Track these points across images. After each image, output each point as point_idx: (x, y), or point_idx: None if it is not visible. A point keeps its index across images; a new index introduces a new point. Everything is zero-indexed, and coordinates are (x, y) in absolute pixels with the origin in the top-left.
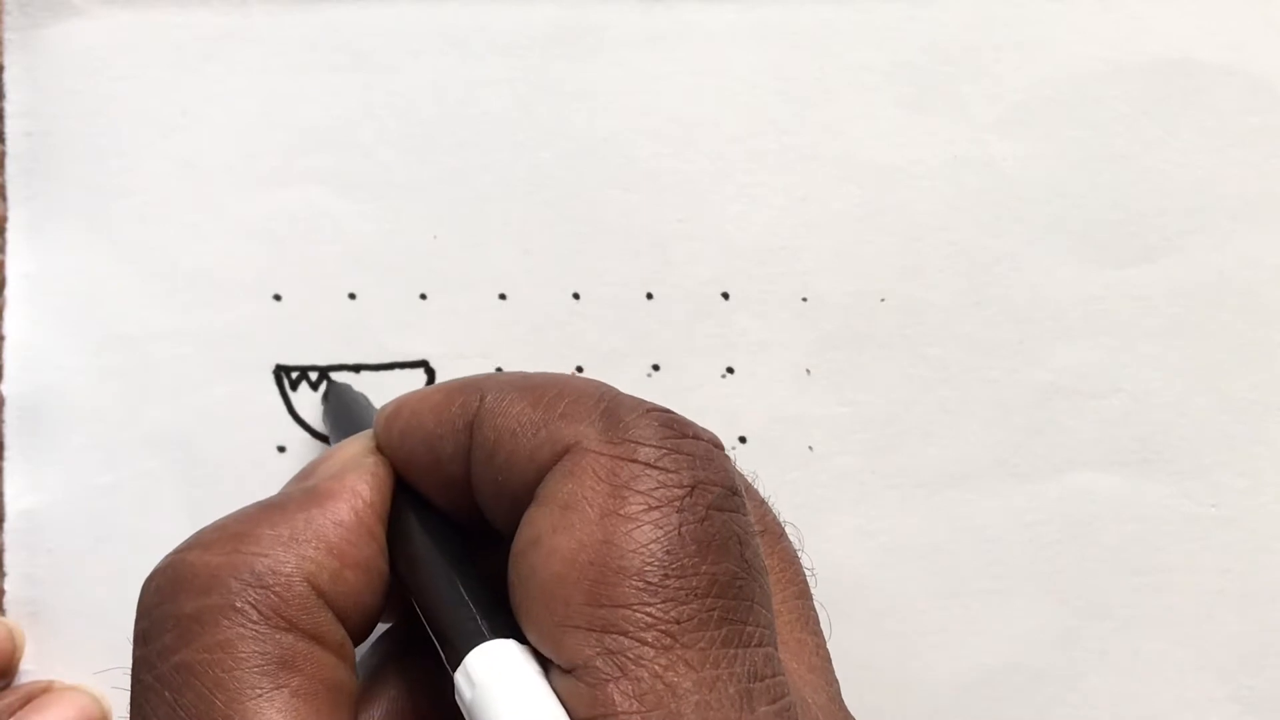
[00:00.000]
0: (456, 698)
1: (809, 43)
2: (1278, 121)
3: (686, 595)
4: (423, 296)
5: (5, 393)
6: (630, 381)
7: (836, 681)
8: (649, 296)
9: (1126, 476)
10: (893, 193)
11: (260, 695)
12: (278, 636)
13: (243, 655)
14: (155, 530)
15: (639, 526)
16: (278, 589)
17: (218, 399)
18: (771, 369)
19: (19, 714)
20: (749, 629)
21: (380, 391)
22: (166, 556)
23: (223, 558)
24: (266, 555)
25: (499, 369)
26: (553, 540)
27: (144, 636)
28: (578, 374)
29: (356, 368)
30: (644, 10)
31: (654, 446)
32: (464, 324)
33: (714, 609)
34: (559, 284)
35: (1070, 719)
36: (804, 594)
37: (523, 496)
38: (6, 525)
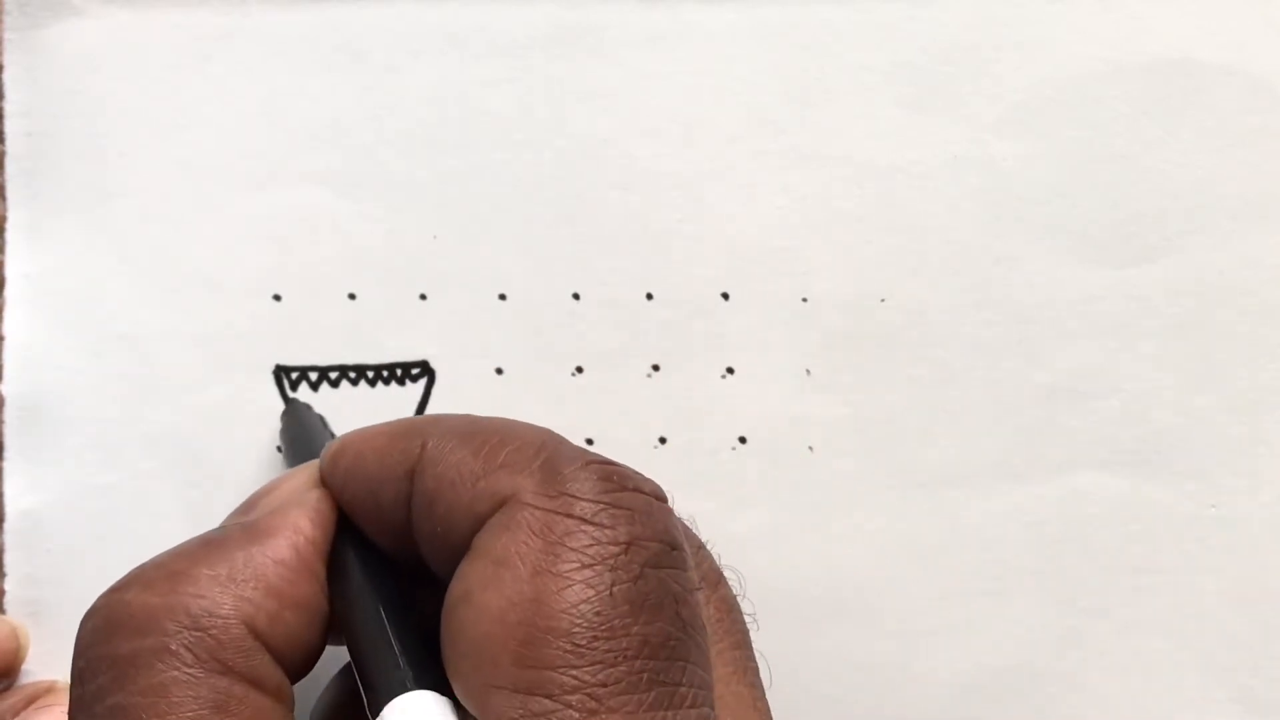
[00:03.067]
0: None
1: (809, 43)
2: (1278, 121)
3: (615, 658)
4: (423, 296)
5: (5, 393)
6: (630, 381)
7: None
8: (649, 296)
9: (1126, 476)
10: (893, 193)
11: None
12: (213, 680)
13: (177, 700)
14: (155, 530)
15: (570, 585)
16: (214, 631)
17: (218, 399)
18: (771, 369)
19: (23, 714)
20: (681, 689)
21: (375, 406)
22: (104, 594)
23: (159, 599)
24: (204, 597)
25: (498, 370)
26: (483, 597)
27: (79, 676)
28: (522, 421)
29: (357, 368)
30: (644, 10)
31: (591, 501)
32: (464, 324)
33: (643, 671)
34: (559, 284)
35: (1070, 719)
36: (742, 643)
37: (461, 547)
38: (6, 525)
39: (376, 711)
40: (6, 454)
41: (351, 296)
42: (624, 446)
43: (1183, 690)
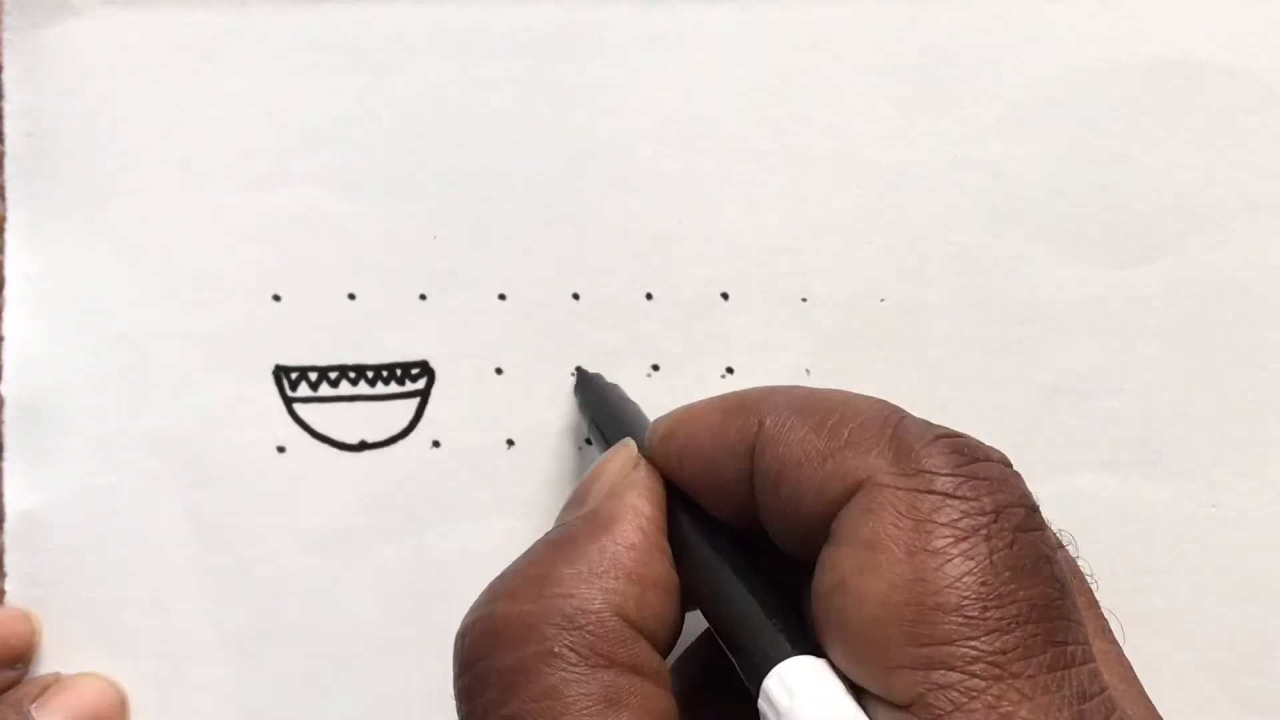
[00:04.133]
0: (763, 706)
1: (809, 43)
2: (1278, 121)
3: (1008, 624)
4: (423, 296)
5: (5, 393)
6: (630, 381)
7: (1144, 688)
8: (649, 296)
9: (1126, 476)
10: (893, 193)
11: None
12: (599, 675)
13: (570, 699)
14: (155, 530)
15: (949, 560)
16: (591, 628)
17: (218, 399)
18: (771, 369)
19: (41, 698)
20: (1070, 648)
21: (375, 406)
22: (474, 611)
23: (531, 605)
24: (572, 595)
25: (498, 370)
26: (860, 583)
27: (467, 693)
28: (854, 393)
29: (357, 368)
30: (644, 10)
31: (950, 475)
32: (464, 324)
33: (1036, 634)
34: (559, 284)
35: None
36: (1093, 603)
37: (812, 527)
38: (6, 525)
39: (756, 677)
40: (6, 454)
41: (351, 296)
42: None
43: (1183, 690)
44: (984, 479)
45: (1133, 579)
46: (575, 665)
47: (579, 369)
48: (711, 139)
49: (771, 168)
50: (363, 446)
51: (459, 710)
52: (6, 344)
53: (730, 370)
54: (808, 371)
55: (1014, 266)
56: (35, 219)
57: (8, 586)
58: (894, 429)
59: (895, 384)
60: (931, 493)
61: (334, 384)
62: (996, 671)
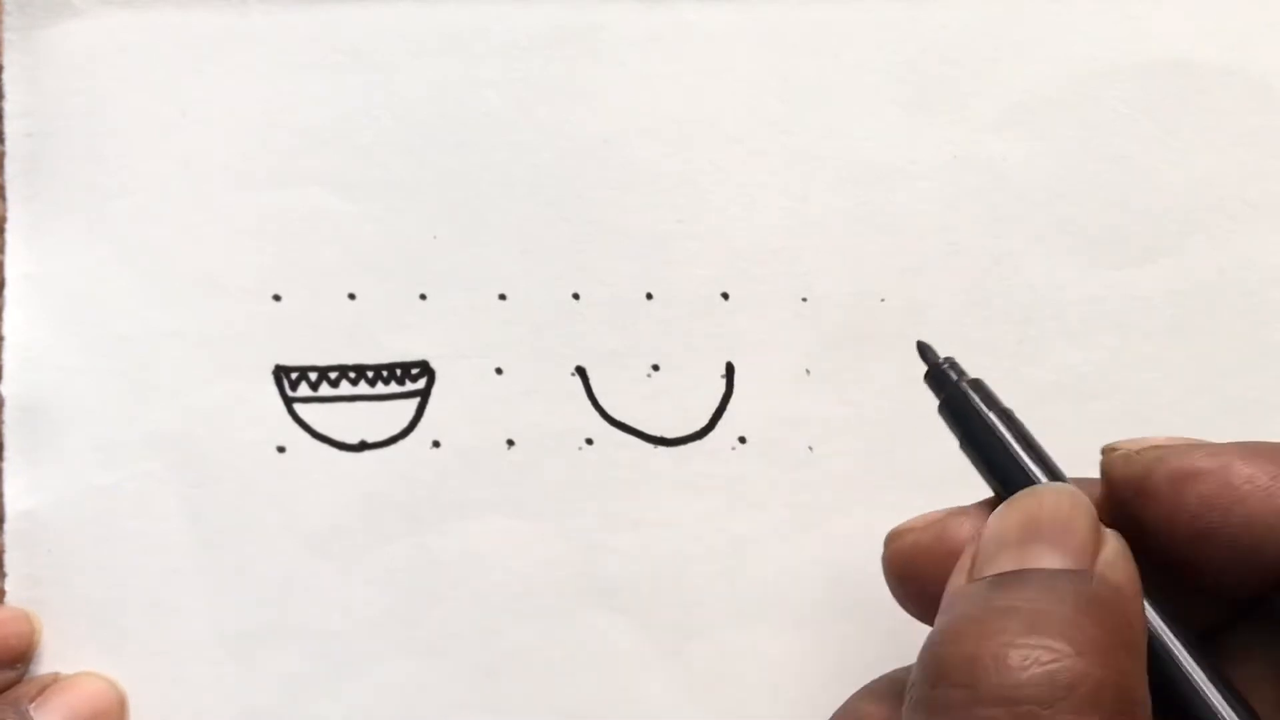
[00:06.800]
0: None
1: (809, 43)
2: (1278, 121)
3: None
4: (423, 296)
5: (5, 393)
6: (630, 381)
7: None
8: (649, 296)
9: None
10: (893, 193)
11: None
12: None
13: None
14: (155, 530)
15: None
16: (1136, 713)
17: (218, 399)
18: (771, 369)
19: (40, 698)
20: None
21: (375, 406)
22: (1037, 641)
23: (1100, 671)
24: (1128, 674)
25: (498, 370)
26: None
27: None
28: None
29: (357, 368)
30: (644, 10)
31: None
32: (464, 324)
33: None
34: (559, 284)
35: None
36: None
37: None
38: (6, 525)
39: None
40: (6, 454)
41: (351, 296)
42: (624, 447)
43: None
44: None
45: None
46: None
47: (924, 349)
48: (711, 139)
49: (771, 168)
50: (363, 446)
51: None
52: (6, 344)
53: (730, 370)
54: (808, 371)
55: (1014, 266)
56: (35, 219)
57: (8, 586)
58: None
59: (895, 384)
60: None
61: (334, 384)
62: None
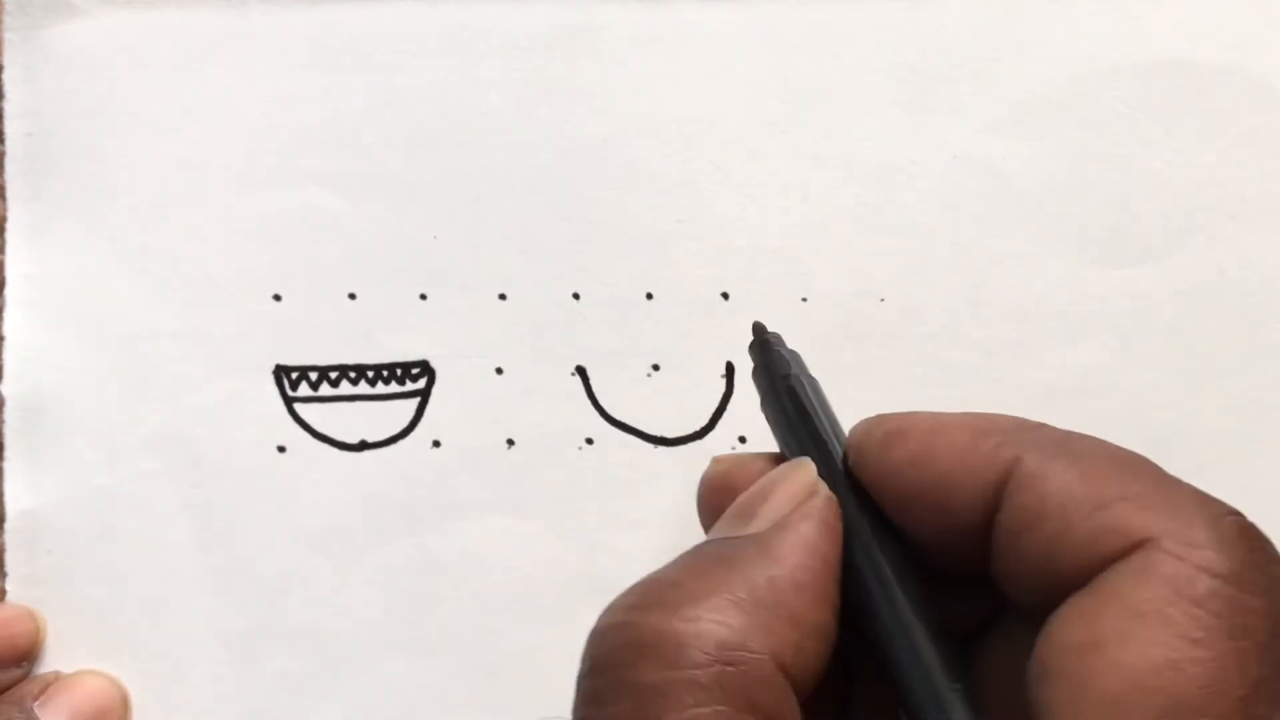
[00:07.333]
0: None
1: (809, 43)
2: (1278, 121)
3: None
4: (423, 296)
5: (5, 393)
6: (630, 381)
7: None
8: (649, 296)
9: None
10: (893, 193)
11: None
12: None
13: None
14: (155, 530)
15: (1216, 658)
16: (745, 667)
17: (218, 399)
18: None
19: (44, 696)
20: None
21: (374, 406)
22: (619, 612)
23: (685, 625)
24: (729, 625)
25: (499, 370)
26: (1119, 652)
27: (596, 697)
28: (1108, 441)
29: (357, 367)
30: (644, 10)
31: (1237, 562)
32: (464, 324)
33: None
34: (559, 284)
35: None
36: None
37: (1064, 578)
38: (6, 525)
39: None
40: (6, 454)
41: (351, 296)
42: (624, 446)
43: None
44: (1271, 576)
45: None
46: (719, 703)
47: (757, 327)
48: (711, 139)
49: (771, 168)
50: (363, 446)
51: (578, 710)
52: (6, 344)
53: (730, 370)
54: None
55: (1014, 266)
56: (35, 219)
57: (8, 586)
58: (1174, 492)
59: (895, 384)
60: (1215, 576)
61: (334, 384)
62: None
